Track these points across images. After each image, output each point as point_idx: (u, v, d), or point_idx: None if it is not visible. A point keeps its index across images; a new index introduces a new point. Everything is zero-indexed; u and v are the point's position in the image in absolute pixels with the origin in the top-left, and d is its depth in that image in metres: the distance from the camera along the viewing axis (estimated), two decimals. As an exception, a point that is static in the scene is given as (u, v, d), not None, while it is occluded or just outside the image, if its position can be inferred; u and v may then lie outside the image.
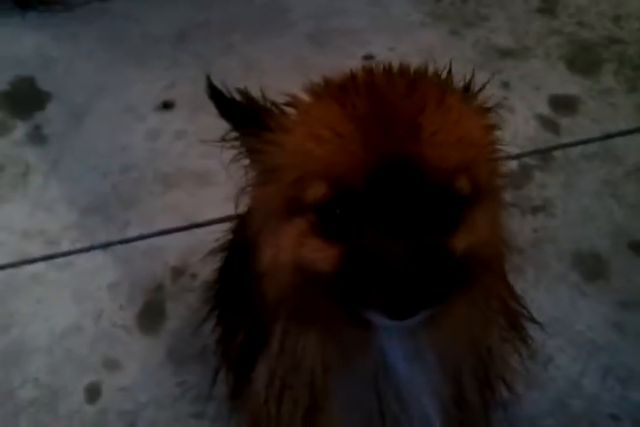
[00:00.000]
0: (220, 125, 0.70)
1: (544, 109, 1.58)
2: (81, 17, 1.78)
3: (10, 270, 1.31)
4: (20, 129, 1.54)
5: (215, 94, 0.67)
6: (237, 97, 0.68)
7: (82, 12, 1.79)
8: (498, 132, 0.69)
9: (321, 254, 0.58)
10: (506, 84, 1.63)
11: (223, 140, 0.69)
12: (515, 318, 0.77)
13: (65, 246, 1.34)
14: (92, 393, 1.16)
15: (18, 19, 1.78)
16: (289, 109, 0.66)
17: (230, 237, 0.93)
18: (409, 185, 0.56)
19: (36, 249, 1.33)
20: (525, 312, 0.79)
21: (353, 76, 0.66)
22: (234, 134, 0.68)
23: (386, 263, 0.53)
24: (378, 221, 0.55)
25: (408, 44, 1.71)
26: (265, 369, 0.72)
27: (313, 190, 0.58)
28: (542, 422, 1.13)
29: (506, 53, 1.70)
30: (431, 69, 0.69)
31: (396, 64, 0.68)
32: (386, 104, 0.59)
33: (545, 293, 1.27)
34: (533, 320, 0.79)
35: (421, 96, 0.61)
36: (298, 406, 0.70)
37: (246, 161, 0.69)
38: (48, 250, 1.33)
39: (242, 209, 0.74)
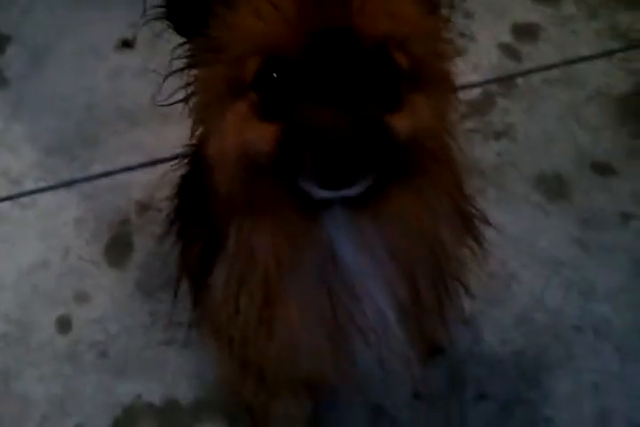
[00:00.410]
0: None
1: (506, 38, 1.57)
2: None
3: (-25, 210, 1.31)
4: (-20, 72, 1.52)
5: None
6: None
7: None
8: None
9: (260, 134, 0.58)
10: (469, 14, 1.62)
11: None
12: (467, 219, 0.78)
13: (29, 185, 1.34)
14: (63, 326, 1.18)
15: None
16: None
17: (187, 157, 0.93)
18: (341, 53, 0.55)
19: (0, 189, 1.33)
20: (478, 213, 0.79)
21: None
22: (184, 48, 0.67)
23: (319, 132, 0.53)
24: (312, 93, 0.55)
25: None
26: (222, 270, 0.72)
27: (250, 66, 0.58)
28: (507, 336, 1.15)
29: (467, -17, 1.69)
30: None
31: None
32: None
33: (508, 213, 1.28)
34: (487, 222, 0.80)
35: None
36: (254, 302, 0.71)
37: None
38: (12, 189, 1.33)
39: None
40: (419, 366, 0.85)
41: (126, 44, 1.55)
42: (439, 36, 0.67)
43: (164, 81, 0.69)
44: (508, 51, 1.55)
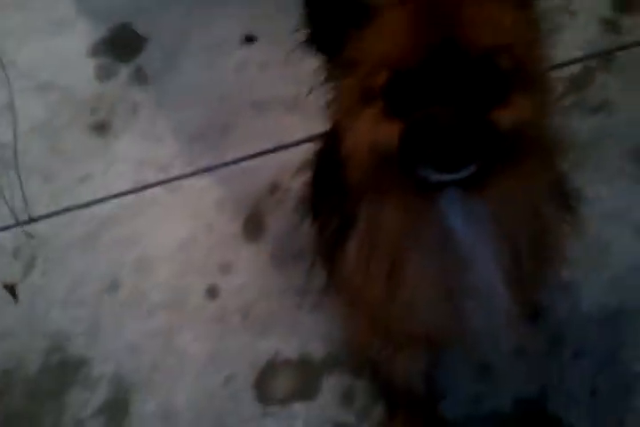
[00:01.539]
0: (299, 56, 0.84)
1: (606, 12, 1.62)
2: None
3: (131, 196, 1.52)
4: (124, 71, 1.71)
5: None
6: None
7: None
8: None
9: (387, 131, 0.73)
10: (569, -9, 1.67)
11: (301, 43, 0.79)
12: (563, 195, 0.90)
13: (175, 172, 1.54)
14: (211, 293, 1.38)
15: (107, -32, 1.93)
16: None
17: (321, 146, 1.07)
18: (453, 62, 0.69)
19: (151, 176, 1.54)
20: (573, 190, 0.92)
21: None
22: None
23: (436, 125, 0.68)
24: (430, 94, 0.69)
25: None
26: (354, 244, 0.88)
27: (379, 79, 0.72)
28: (603, 300, 1.26)
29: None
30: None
31: None
32: (432, 6, 0.72)
33: (604, 186, 1.37)
34: (579, 198, 0.92)
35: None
36: (382, 268, 0.86)
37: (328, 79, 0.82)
38: (161, 176, 1.54)
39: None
40: (521, 324, 1.00)
41: (249, 38, 1.72)
42: (536, 40, 0.79)
43: (308, 93, 0.83)
44: (608, 25, 1.61)
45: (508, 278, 0.86)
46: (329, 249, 0.96)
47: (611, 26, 1.60)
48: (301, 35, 0.78)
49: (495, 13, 0.73)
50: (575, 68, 1.54)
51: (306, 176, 1.13)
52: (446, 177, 0.72)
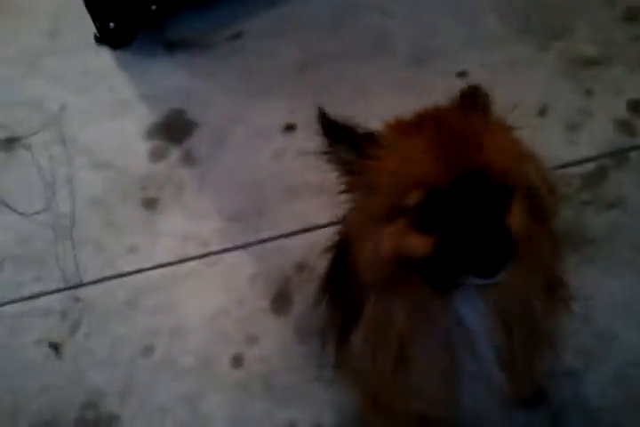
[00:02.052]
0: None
1: (622, 113, 1.74)
2: (217, 54, 2.09)
3: (173, 267, 1.66)
4: (174, 153, 1.88)
5: (324, 120, 0.90)
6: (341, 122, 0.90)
7: (217, 50, 2.11)
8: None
9: (419, 243, 0.83)
10: (589, 92, 1.80)
11: (323, 153, 0.91)
12: (557, 290, 1.00)
13: (214, 247, 1.67)
14: (237, 362, 1.48)
15: (166, 58, 2.12)
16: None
17: (337, 237, 1.19)
18: (478, 185, 0.81)
19: (192, 250, 1.68)
20: (566, 286, 1.01)
21: (421, 115, 0.91)
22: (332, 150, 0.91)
23: (475, 239, 0.78)
24: (461, 212, 0.80)
25: (498, 59, 1.92)
26: (359, 335, 0.98)
27: (413, 196, 0.82)
28: (606, 389, 1.33)
29: (590, 62, 1.87)
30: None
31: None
32: (451, 131, 0.84)
33: (615, 279, 1.45)
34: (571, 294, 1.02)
35: (475, 124, 0.86)
36: (388, 359, 0.95)
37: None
38: (201, 250, 1.67)
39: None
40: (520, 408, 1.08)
41: (290, 127, 1.88)
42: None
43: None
44: (623, 126, 1.72)
45: (505, 366, 0.96)
46: (337, 335, 1.06)
47: (625, 127, 1.71)
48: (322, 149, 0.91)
49: (501, 139, 0.87)
50: (590, 166, 1.65)
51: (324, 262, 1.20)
52: (486, 281, 0.82)
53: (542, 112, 1.77)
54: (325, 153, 0.91)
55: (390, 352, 0.95)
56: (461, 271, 0.81)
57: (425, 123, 0.88)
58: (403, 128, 0.90)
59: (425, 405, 1.06)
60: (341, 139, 0.89)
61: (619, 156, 1.66)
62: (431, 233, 0.82)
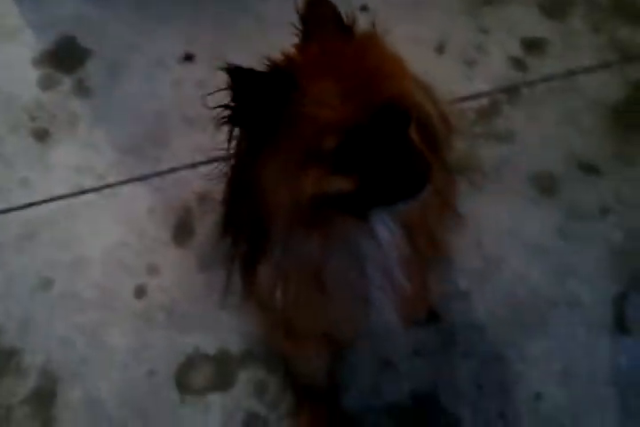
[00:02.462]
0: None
1: (516, 51, 1.80)
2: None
3: (69, 199, 1.61)
4: (66, 82, 1.80)
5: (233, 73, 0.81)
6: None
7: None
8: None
9: (341, 184, 0.83)
10: (484, 30, 1.85)
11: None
12: (453, 211, 1.05)
13: (111, 179, 1.63)
14: (140, 292, 1.48)
15: (57, -17, 2.02)
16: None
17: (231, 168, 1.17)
18: (389, 116, 0.81)
19: (88, 182, 1.63)
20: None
21: (321, 49, 0.87)
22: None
23: (397, 169, 0.80)
24: (377, 146, 0.81)
25: (399, -4, 1.92)
26: (266, 269, 0.96)
27: (331, 140, 0.80)
28: (494, 307, 1.41)
29: (486, 1, 1.90)
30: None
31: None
32: (352, 67, 0.82)
33: (503, 207, 1.53)
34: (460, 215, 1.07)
35: (370, 54, 0.84)
36: (301, 289, 0.97)
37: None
38: (97, 182, 1.63)
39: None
40: (419, 327, 1.13)
41: (188, 57, 1.83)
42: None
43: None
44: (516, 63, 1.78)
45: (408, 279, 1.00)
46: (242, 264, 1.05)
47: (518, 63, 1.77)
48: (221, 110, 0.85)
49: (399, 67, 0.87)
50: (484, 101, 1.71)
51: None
52: (409, 203, 0.85)
53: (440, 48, 1.80)
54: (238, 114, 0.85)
55: (302, 282, 0.97)
56: (387, 200, 0.84)
57: (321, 58, 0.85)
58: (302, 66, 0.86)
59: (334, 326, 1.09)
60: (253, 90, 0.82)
61: (511, 91, 1.72)
62: (352, 172, 0.83)
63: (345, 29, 0.88)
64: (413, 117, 0.87)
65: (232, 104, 0.83)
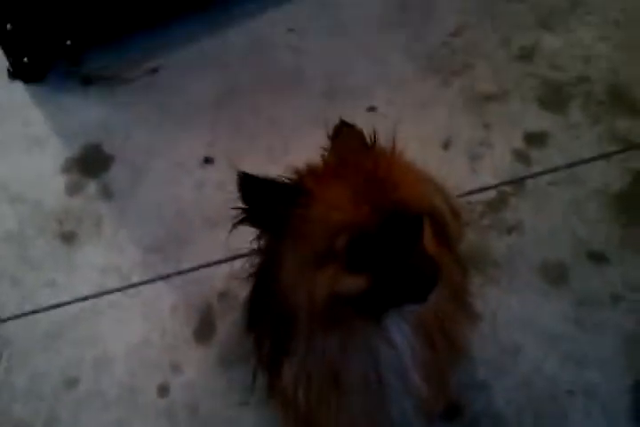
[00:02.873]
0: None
1: (519, 144, 1.88)
2: (133, 90, 2.14)
3: (93, 300, 1.67)
4: (92, 187, 1.90)
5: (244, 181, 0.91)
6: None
7: (134, 85, 2.15)
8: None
9: (354, 283, 0.88)
10: (487, 125, 1.94)
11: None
12: (469, 306, 1.09)
13: (134, 279, 1.69)
14: (163, 390, 1.51)
15: (81, 93, 2.15)
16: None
17: (255, 268, 1.22)
18: (399, 221, 0.87)
19: (112, 282, 1.69)
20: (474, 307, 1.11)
21: (332, 161, 0.97)
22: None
23: (407, 272, 0.86)
24: (388, 248, 0.86)
25: (404, 96, 2.04)
26: (290, 369, 1.01)
27: (341, 240, 0.86)
28: (512, 398, 1.42)
29: (488, 98, 2.01)
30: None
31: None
32: (365, 174, 0.90)
33: (515, 296, 1.57)
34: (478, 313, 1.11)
35: (383, 163, 0.92)
36: (322, 388, 1.01)
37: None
38: (121, 282, 1.69)
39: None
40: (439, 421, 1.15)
41: (207, 160, 1.93)
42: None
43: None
44: (520, 156, 1.86)
45: (427, 379, 1.03)
46: (266, 363, 1.10)
47: (521, 157, 1.84)
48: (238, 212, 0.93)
49: (412, 173, 0.95)
50: (491, 193, 1.77)
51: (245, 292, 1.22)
52: (418, 306, 0.90)
53: (446, 145, 1.89)
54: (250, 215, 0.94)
55: (323, 382, 1.01)
56: (397, 301, 0.89)
57: (339, 168, 0.93)
58: (319, 175, 0.94)
59: (355, 425, 1.11)
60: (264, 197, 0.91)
61: (516, 183, 1.79)
62: (363, 272, 0.88)
63: (367, 147, 0.96)
64: (425, 222, 0.93)
65: (244, 206, 0.91)
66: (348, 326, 0.94)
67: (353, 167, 0.92)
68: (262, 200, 0.91)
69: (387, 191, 0.89)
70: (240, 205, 0.92)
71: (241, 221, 0.94)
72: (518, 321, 1.52)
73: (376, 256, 0.87)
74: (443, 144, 1.88)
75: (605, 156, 1.84)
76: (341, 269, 0.89)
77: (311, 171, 0.96)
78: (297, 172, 0.96)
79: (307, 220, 0.89)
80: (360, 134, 0.99)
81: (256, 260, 1.12)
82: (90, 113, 2.09)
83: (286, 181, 0.93)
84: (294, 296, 0.92)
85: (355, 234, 0.87)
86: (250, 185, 0.91)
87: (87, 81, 2.18)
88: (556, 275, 1.60)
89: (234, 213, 0.93)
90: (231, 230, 0.94)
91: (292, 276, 0.92)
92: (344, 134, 0.99)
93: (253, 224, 0.95)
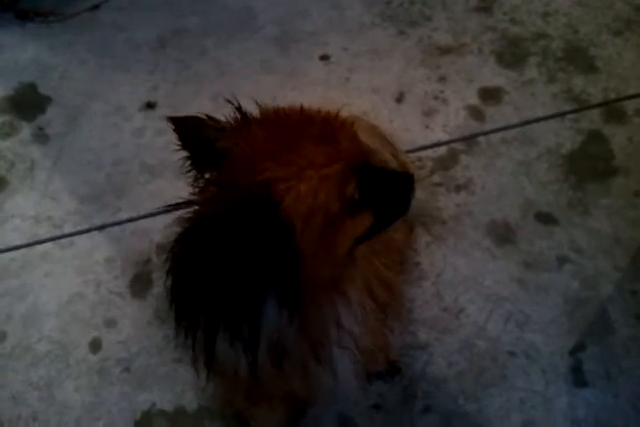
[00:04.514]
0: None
1: (474, 100, 1.83)
2: (73, 27, 2.02)
3: (23, 250, 1.59)
4: (26, 130, 1.80)
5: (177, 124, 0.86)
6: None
7: (73, 22, 2.03)
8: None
9: (362, 224, 0.88)
10: (443, 79, 1.88)
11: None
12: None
13: (68, 229, 1.62)
14: (95, 346, 1.45)
15: (17, 29, 2.03)
16: None
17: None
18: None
19: (45, 232, 1.61)
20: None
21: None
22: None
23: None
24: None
25: (359, 44, 1.96)
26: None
27: (351, 187, 0.84)
28: (453, 359, 1.41)
29: (445, 50, 1.95)
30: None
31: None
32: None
33: (462, 256, 1.54)
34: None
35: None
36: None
37: None
38: (54, 232, 1.61)
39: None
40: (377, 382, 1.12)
41: (149, 105, 1.83)
42: None
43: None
44: (474, 112, 1.81)
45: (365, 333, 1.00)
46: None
47: (475, 113, 1.80)
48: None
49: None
50: (442, 150, 1.73)
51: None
52: None
53: (399, 98, 1.83)
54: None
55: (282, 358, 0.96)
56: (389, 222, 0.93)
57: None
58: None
59: (295, 387, 1.08)
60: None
61: (468, 140, 1.75)
62: (365, 210, 0.87)
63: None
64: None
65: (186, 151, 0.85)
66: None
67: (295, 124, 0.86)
68: (201, 138, 0.85)
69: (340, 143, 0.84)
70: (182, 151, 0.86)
71: (190, 167, 0.88)
72: (463, 281, 1.50)
73: (377, 189, 0.87)
74: (396, 97, 1.82)
75: (559, 115, 1.80)
76: (351, 218, 0.86)
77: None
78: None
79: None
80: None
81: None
82: (25, 50, 1.98)
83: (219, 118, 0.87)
84: (313, 255, 0.84)
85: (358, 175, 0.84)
86: (184, 127, 0.85)
87: (23, 16, 2.05)
88: (503, 235, 1.58)
89: (179, 161, 0.87)
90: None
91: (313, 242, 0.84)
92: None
93: (201, 168, 0.88)
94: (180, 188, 1.59)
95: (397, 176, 0.94)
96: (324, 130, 0.84)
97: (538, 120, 1.79)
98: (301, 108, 0.88)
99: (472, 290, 1.49)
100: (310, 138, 0.82)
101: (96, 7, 2.07)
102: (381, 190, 0.88)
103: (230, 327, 0.86)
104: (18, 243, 1.60)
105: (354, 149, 0.85)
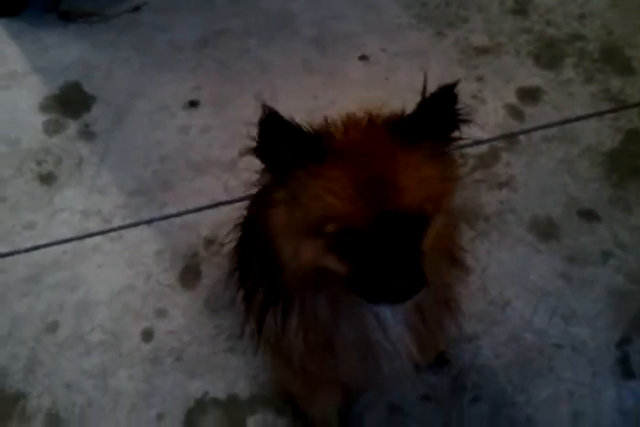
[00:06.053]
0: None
1: (512, 99, 1.85)
2: (115, 27, 2.06)
3: (74, 243, 1.61)
4: (72, 127, 1.83)
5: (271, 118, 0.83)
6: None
7: (115, 23, 2.07)
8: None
9: (336, 266, 0.85)
10: (480, 79, 1.91)
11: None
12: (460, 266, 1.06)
13: (117, 222, 1.64)
14: (147, 336, 1.47)
15: (61, 30, 2.07)
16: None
17: (245, 215, 1.16)
18: (393, 225, 0.82)
19: (94, 225, 1.64)
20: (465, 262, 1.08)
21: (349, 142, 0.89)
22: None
23: (386, 274, 0.82)
24: (374, 248, 0.82)
25: (397, 45, 1.99)
26: (294, 320, 0.97)
27: (330, 227, 0.82)
28: (500, 351, 1.42)
29: (481, 51, 1.97)
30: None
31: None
32: (376, 168, 0.83)
33: (506, 251, 1.56)
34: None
35: (396, 163, 0.85)
36: (317, 340, 0.99)
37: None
38: (103, 226, 1.64)
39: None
40: (427, 373, 1.14)
41: (192, 103, 1.87)
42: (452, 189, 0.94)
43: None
44: (513, 111, 1.83)
45: (416, 338, 1.01)
46: (258, 313, 1.05)
47: (514, 112, 1.82)
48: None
49: (421, 173, 0.86)
50: (483, 148, 1.75)
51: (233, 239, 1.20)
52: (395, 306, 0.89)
53: (439, 96, 1.85)
54: (261, 151, 0.87)
55: (317, 341, 0.99)
56: (375, 296, 0.85)
57: (352, 148, 0.86)
58: (336, 145, 0.87)
59: (346, 377, 1.10)
60: (285, 140, 0.85)
61: (509, 138, 1.77)
62: (347, 260, 0.85)
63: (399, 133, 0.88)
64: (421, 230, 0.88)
65: (258, 141, 0.86)
66: (337, 291, 0.92)
67: (364, 158, 0.85)
68: (279, 141, 0.85)
69: (388, 195, 0.83)
70: (255, 137, 0.86)
71: (252, 151, 0.87)
72: (508, 276, 1.52)
73: (360, 254, 0.83)
74: (436, 96, 1.84)
75: (598, 114, 1.82)
76: (327, 248, 0.85)
77: (329, 135, 0.89)
78: (321, 127, 0.90)
79: (307, 186, 0.85)
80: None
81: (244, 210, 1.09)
82: (69, 50, 2.02)
83: (309, 130, 0.86)
84: (282, 252, 0.89)
85: (344, 227, 0.83)
86: (272, 123, 0.84)
87: (66, 17, 2.09)
88: (546, 231, 1.60)
89: (246, 142, 0.86)
90: (242, 156, 0.88)
91: (283, 232, 0.88)
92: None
93: (262, 158, 0.88)
94: (225, 184, 1.68)
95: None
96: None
97: (577, 119, 1.81)
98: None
99: (517, 284, 1.51)
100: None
101: (136, 9, 2.11)
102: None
103: None
104: (68, 236, 1.62)
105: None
